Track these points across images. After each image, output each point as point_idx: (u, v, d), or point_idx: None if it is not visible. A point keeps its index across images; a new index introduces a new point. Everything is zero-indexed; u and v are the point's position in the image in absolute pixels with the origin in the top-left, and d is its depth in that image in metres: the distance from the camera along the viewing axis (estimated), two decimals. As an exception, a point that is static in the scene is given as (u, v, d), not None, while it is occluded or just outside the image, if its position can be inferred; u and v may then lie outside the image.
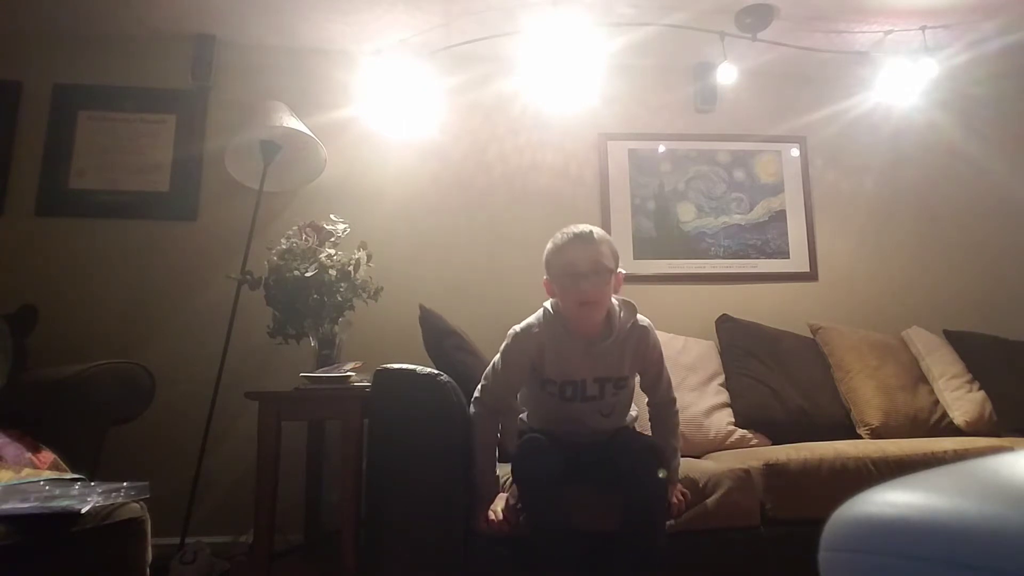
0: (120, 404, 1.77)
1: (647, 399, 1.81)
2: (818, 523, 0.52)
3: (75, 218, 2.57)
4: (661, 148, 2.97)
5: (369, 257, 2.24)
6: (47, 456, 1.45)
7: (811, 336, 2.69)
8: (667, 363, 1.77)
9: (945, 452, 1.95)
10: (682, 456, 1.80)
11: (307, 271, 2.10)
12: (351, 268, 2.19)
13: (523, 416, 1.79)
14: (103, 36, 2.68)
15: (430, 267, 2.71)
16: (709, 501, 1.73)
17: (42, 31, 2.64)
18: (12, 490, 1.14)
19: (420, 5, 2.50)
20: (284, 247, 2.17)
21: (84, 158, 2.61)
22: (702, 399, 2.40)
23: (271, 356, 2.39)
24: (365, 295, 2.21)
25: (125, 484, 1.21)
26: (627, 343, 1.66)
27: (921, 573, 0.42)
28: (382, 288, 2.26)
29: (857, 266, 3.00)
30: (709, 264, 2.90)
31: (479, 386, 1.70)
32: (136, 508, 1.26)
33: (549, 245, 1.63)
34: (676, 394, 1.79)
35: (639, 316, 1.69)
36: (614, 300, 1.67)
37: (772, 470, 1.84)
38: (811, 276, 2.96)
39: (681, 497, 1.68)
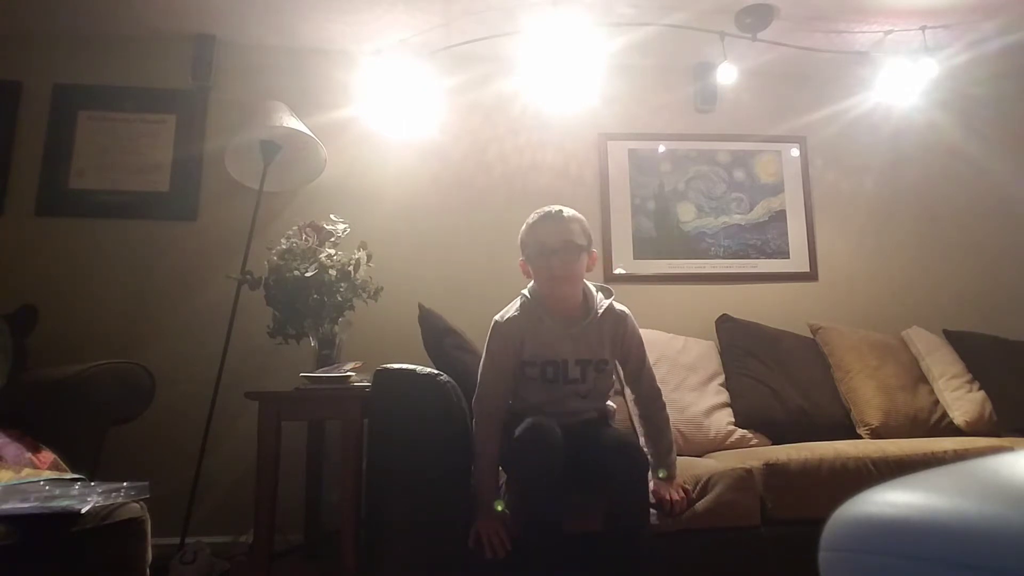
0: (120, 404, 1.77)
1: (633, 396, 1.80)
2: (818, 523, 0.52)
3: (75, 218, 2.57)
4: (661, 148, 2.97)
5: (369, 257, 2.24)
6: (47, 456, 1.45)
7: (811, 336, 2.69)
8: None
9: (945, 452, 1.95)
10: (683, 456, 1.80)
11: (307, 271, 2.10)
12: (351, 268, 2.19)
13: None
14: (103, 36, 2.68)
15: (430, 267, 2.71)
16: (709, 497, 1.73)
17: (42, 31, 2.64)
18: (12, 490, 1.14)
19: (420, 5, 2.50)
20: (284, 247, 2.17)
21: (84, 158, 2.61)
22: (702, 399, 2.40)
23: (271, 356, 2.39)
24: (365, 295, 2.21)
25: (125, 484, 1.21)
26: (604, 324, 1.72)
27: (921, 573, 0.42)
28: (382, 288, 2.26)
29: (857, 266, 3.00)
30: (709, 264, 2.90)
31: (476, 391, 1.70)
32: (136, 508, 1.26)
33: (523, 227, 1.72)
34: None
35: (616, 303, 1.76)
36: (591, 285, 1.75)
37: (772, 470, 1.84)
38: (811, 276, 2.96)
39: (683, 493, 1.68)
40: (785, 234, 2.98)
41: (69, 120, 2.62)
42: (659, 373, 2.38)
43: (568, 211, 1.69)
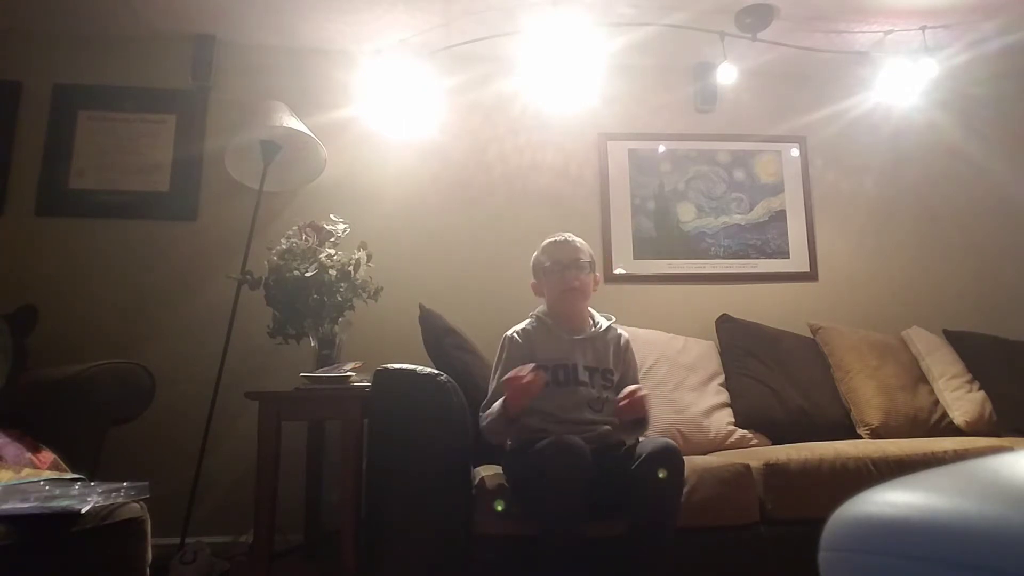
0: (120, 404, 1.77)
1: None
2: (818, 523, 0.52)
3: (75, 218, 2.57)
4: (661, 148, 2.97)
5: (369, 257, 2.24)
6: (47, 456, 1.45)
7: (811, 336, 2.69)
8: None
9: (945, 452, 1.95)
10: (683, 455, 1.80)
11: (307, 271, 2.09)
12: (351, 268, 2.19)
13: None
14: (103, 36, 2.68)
15: (430, 267, 2.71)
16: (705, 491, 1.73)
17: (42, 31, 2.64)
18: (12, 490, 1.14)
19: (420, 5, 2.50)
20: (284, 247, 2.17)
21: (84, 158, 2.61)
22: (702, 399, 2.40)
23: (271, 356, 2.39)
24: (365, 295, 2.21)
25: (125, 484, 1.21)
26: (609, 337, 1.89)
27: (921, 573, 0.42)
28: (382, 288, 2.26)
29: (857, 266, 3.00)
30: (709, 264, 2.90)
31: (485, 400, 1.73)
32: (136, 508, 1.26)
33: (536, 253, 1.92)
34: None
35: (617, 327, 1.94)
36: (595, 313, 1.93)
37: (772, 470, 1.84)
38: (811, 276, 2.96)
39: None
40: (785, 234, 2.98)
41: (69, 120, 2.62)
42: (659, 373, 2.40)
43: (575, 238, 1.90)
